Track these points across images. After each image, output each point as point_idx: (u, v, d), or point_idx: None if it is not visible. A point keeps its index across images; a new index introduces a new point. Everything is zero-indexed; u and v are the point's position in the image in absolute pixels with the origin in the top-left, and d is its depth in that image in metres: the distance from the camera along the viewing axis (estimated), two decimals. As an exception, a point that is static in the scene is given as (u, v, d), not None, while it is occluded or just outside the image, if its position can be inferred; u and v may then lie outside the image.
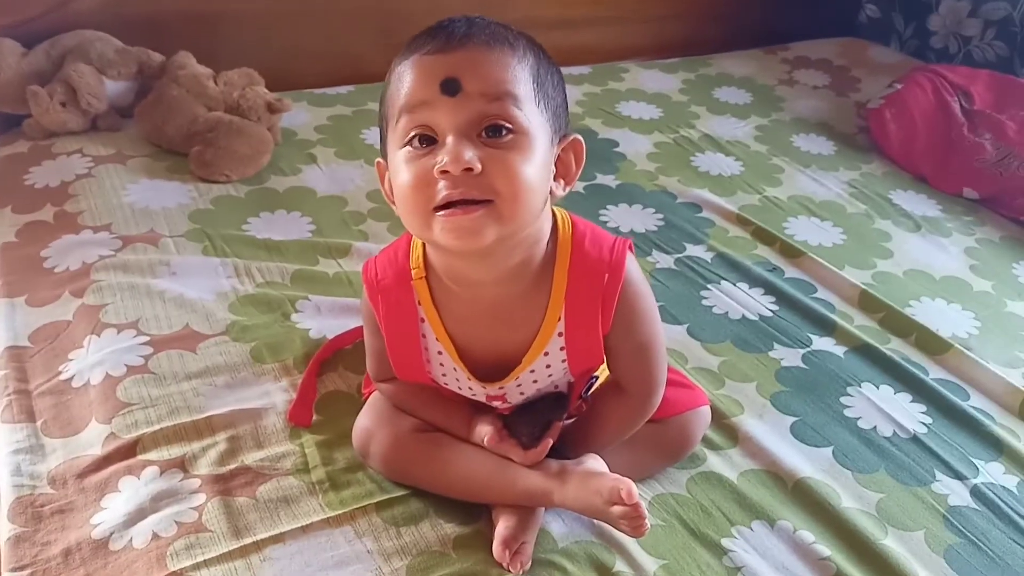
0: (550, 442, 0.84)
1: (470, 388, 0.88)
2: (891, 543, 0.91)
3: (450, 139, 0.70)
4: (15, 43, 1.51)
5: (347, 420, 0.98)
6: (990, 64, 1.98)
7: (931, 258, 1.42)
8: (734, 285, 1.30)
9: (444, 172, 0.69)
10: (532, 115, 0.72)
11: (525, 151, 0.71)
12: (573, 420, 0.93)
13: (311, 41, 1.79)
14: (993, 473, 1.01)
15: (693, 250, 1.38)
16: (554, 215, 0.82)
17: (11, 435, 0.95)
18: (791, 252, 1.39)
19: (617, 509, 0.80)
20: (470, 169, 0.69)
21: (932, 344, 1.21)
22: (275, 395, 1.01)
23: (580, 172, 0.80)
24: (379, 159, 0.81)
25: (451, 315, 0.83)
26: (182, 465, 0.91)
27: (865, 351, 1.18)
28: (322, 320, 1.13)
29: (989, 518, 0.96)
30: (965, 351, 1.19)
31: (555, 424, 0.84)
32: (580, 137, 0.79)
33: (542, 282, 0.80)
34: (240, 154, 1.43)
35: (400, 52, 0.76)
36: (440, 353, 0.86)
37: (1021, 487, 1.00)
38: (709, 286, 1.29)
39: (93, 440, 0.94)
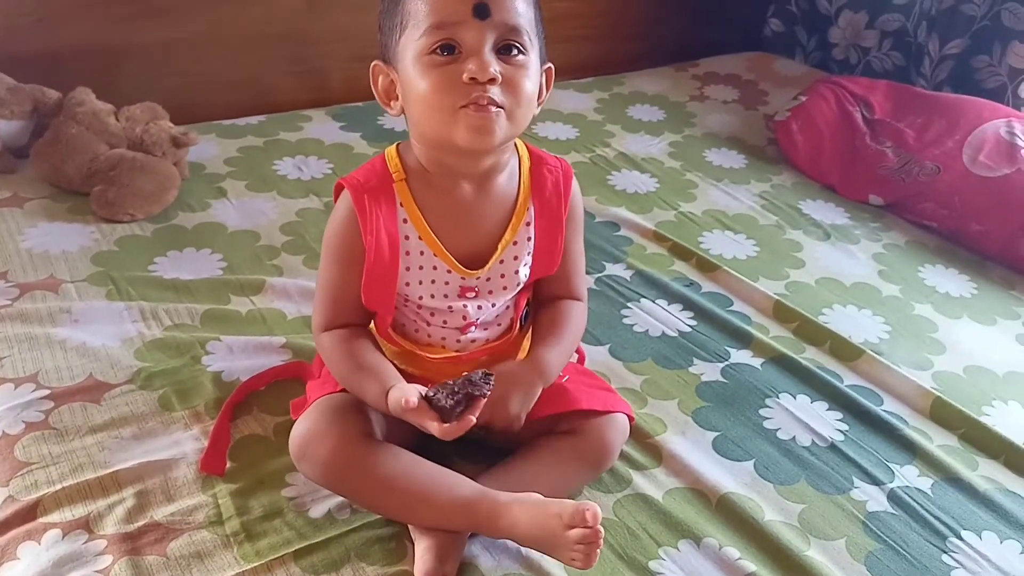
0: (472, 419, 0.80)
1: (446, 283, 0.92)
2: (814, 553, 0.92)
3: (481, 52, 0.82)
4: None
5: (263, 465, 0.95)
6: (888, 74, 2.06)
7: (841, 266, 1.46)
8: (653, 302, 1.31)
9: (473, 79, 0.81)
10: (533, 40, 0.86)
11: (528, 69, 0.85)
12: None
13: (217, 71, 1.75)
14: (908, 476, 1.04)
15: (612, 269, 1.38)
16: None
17: (-102, 505, 0.89)
18: (707, 266, 1.41)
19: (576, 532, 0.79)
20: (494, 79, 0.81)
21: (845, 351, 1.24)
22: (185, 444, 0.97)
23: (548, 95, 0.93)
24: (376, 62, 0.90)
25: (431, 212, 0.91)
26: (86, 525, 0.87)
27: (781, 361, 1.20)
28: (235, 361, 1.10)
29: (906, 521, 0.98)
30: (876, 356, 1.22)
31: (477, 400, 0.80)
32: (552, 65, 0.93)
33: (511, 179, 0.94)
34: (145, 191, 1.38)
35: None
36: (422, 253, 0.91)
37: (935, 488, 1.03)
38: (629, 304, 1.30)
39: (-11, 505, 0.89)
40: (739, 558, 0.90)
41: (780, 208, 1.62)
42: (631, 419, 1.01)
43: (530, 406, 0.91)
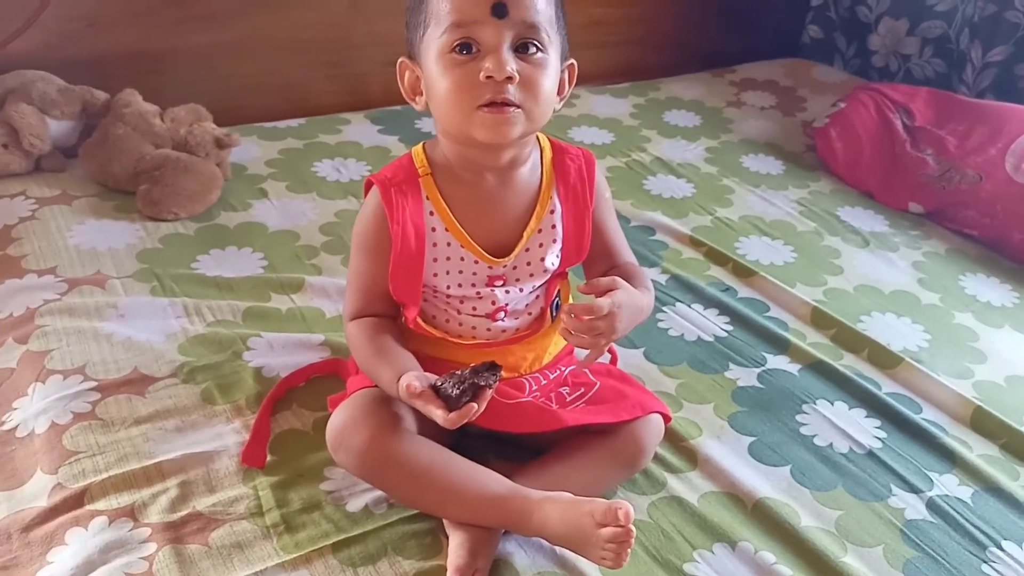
0: (474, 407, 0.80)
1: (473, 273, 0.94)
2: (851, 560, 0.91)
3: (503, 50, 0.84)
4: (-46, 85, 1.48)
5: (302, 459, 0.97)
6: (929, 81, 2.04)
7: (880, 273, 1.45)
8: (689, 307, 1.31)
9: (490, 78, 0.83)
10: (553, 38, 0.88)
11: (547, 67, 0.87)
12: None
13: (259, 75, 1.78)
14: (948, 485, 1.03)
15: (648, 273, 1.38)
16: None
17: (-48, 490, 0.92)
18: (743, 272, 1.40)
19: (607, 531, 0.80)
20: (511, 78, 0.83)
21: (884, 358, 1.23)
22: (227, 437, 0.99)
23: (571, 91, 0.95)
24: (402, 59, 0.92)
25: (457, 204, 0.94)
26: (132, 514, 0.89)
27: (819, 368, 1.20)
28: (275, 357, 1.11)
29: (945, 530, 0.97)
30: (916, 364, 1.21)
31: (483, 390, 0.81)
32: (575, 61, 0.94)
33: (534, 169, 0.96)
34: (189, 191, 1.41)
35: None
36: (449, 245, 0.94)
37: (975, 498, 1.02)
38: (665, 308, 1.30)
39: (38, 492, 0.91)
40: (775, 563, 0.90)
41: (818, 215, 1.61)
42: (667, 419, 1.01)
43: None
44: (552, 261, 0.97)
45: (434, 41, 0.86)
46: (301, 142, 1.68)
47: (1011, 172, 1.55)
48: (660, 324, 1.27)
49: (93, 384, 1.04)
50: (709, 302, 1.32)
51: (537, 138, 0.97)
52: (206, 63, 1.71)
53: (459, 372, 0.82)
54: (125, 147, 1.45)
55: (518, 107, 0.84)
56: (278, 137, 1.69)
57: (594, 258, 1.01)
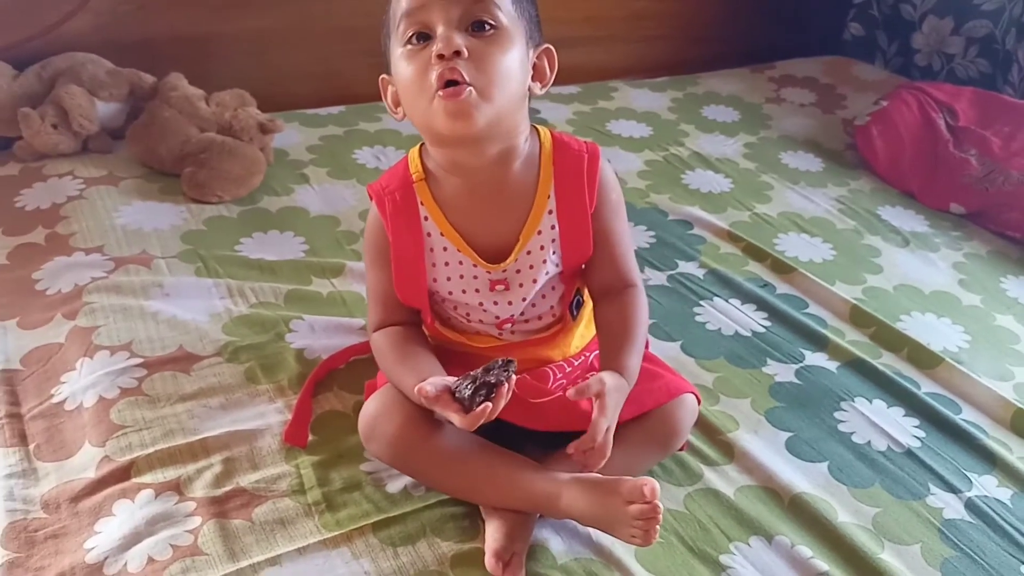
0: (488, 406, 0.79)
1: (474, 277, 0.93)
2: (888, 557, 0.91)
3: (441, 29, 0.82)
4: (6, 65, 1.51)
5: (343, 439, 0.98)
6: (973, 81, 2.01)
7: (920, 273, 1.43)
8: (726, 301, 1.30)
9: (440, 56, 0.81)
10: (510, 15, 0.85)
11: (504, 44, 0.84)
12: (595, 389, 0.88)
13: (302, 62, 1.79)
14: (987, 486, 1.02)
15: (685, 267, 1.38)
16: (535, 128, 0.94)
17: (3, 460, 0.94)
18: (782, 268, 1.40)
19: (635, 508, 0.81)
20: (459, 52, 0.81)
21: (923, 358, 1.22)
22: (270, 416, 1.01)
23: (554, 76, 0.92)
24: (384, 75, 0.92)
25: (452, 208, 0.92)
26: (177, 488, 0.91)
27: (857, 366, 1.19)
28: (316, 340, 1.13)
29: (984, 531, 0.96)
30: (956, 365, 1.20)
31: (499, 388, 0.80)
32: (551, 47, 0.92)
33: (530, 168, 0.92)
34: (232, 175, 1.43)
35: None
36: (446, 249, 0.93)
37: (1015, 500, 1.01)
38: (702, 303, 1.30)
39: (87, 463, 0.94)
40: (811, 557, 0.90)
41: (858, 213, 1.60)
42: (698, 399, 1.01)
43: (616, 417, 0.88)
44: (554, 262, 0.94)
45: (396, 39, 0.86)
46: (342, 129, 1.70)
47: (1057, 174, 1.53)
48: (698, 318, 1.27)
49: (139, 361, 1.06)
50: (747, 297, 1.32)
51: (537, 132, 0.94)
52: (251, 49, 1.73)
53: (472, 373, 0.82)
54: (171, 130, 1.47)
55: (470, 85, 0.81)
56: (319, 124, 1.70)
57: (594, 267, 0.96)
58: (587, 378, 0.98)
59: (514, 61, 0.85)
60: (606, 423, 0.84)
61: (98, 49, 1.57)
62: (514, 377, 0.81)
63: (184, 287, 1.20)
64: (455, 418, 0.81)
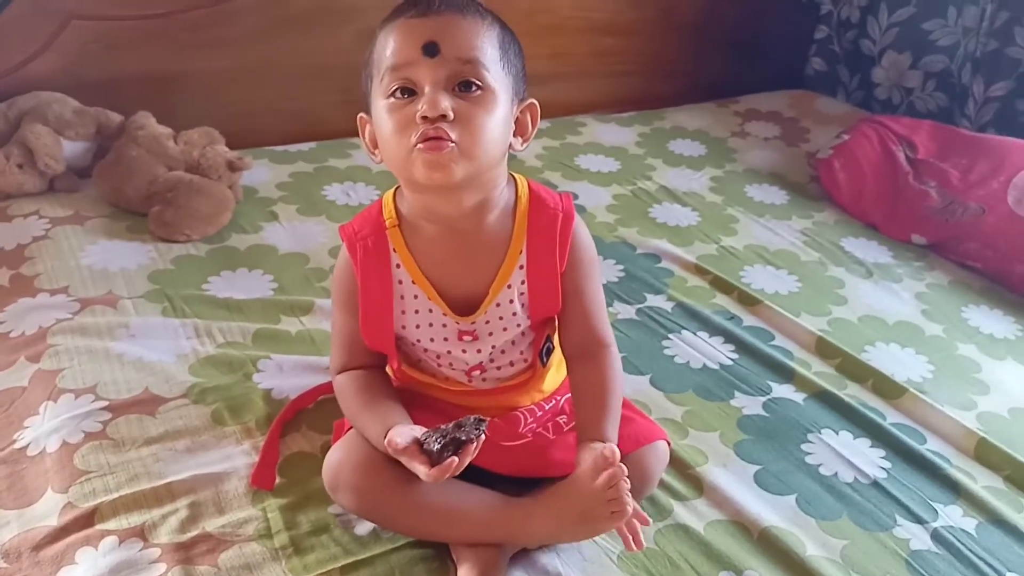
0: (455, 460, 0.80)
1: (443, 326, 0.93)
2: (856, 590, 0.92)
3: (428, 90, 0.82)
4: (-29, 105, 1.50)
5: (311, 481, 0.97)
6: (932, 114, 2.06)
7: (884, 304, 1.46)
8: (694, 334, 1.32)
9: (424, 117, 0.81)
10: (497, 76, 0.85)
11: (489, 105, 0.84)
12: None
13: (271, 99, 1.80)
14: (952, 516, 1.03)
15: (653, 300, 1.40)
16: (512, 176, 0.94)
17: (-37, 508, 0.93)
18: (749, 300, 1.41)
19: (603, 477, 0.82)
20: (444, 115, 0.81)
21: (888, 389, 1.24)
22: (237, 458, 1.00)
23: (535, 131, 0.92)
24: (362, 114, 0.91)
25: (424, 256, 0.92)
26: (141, 534, 0.89)
27: (824, 397, 1.20)
28: (284, 379, 1.12)
29: (950, 561, 0.97)
30: (920, 395, 1.22)
31: (467, 445, 0.81)
32: (535, 101, 0.92)
33: (504, 221, 0.92)
34: (201, 213, 1.42)
35: (385, 16, 0.87)
36: (416, 297, 0.92)
37: (980, 529, 1.02)
38: (670, 336, 1.31)
39: (49, 511, 0.92)
40: (781, 592, 0.90)
41: (822, 245, 1.62)
42: (669, 444, 1.01)
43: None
44: (524, 317, 0.94)
45: (378, 90, 0.86)
46: (311, 166, 1.70)
47: (1013, 206, 1.57)
48: (666, 351, 1.28)
49: (104, 404, 1.05)
50: (715, 330, 1.33)
51: (515, 182, 0.94)
52: (219, 87, 1.74)
53: (443, 427, 0.83)
54: (138, 169, 1.47)
55: (453, 143, 0.81)
56: (289, 161, 1.71)
57: (566, 327, 0.96)
58: (559, 422, 0.99)
59: (498, 121, 0.85)
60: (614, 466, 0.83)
61: (64, 88, 1.56)
62: (483, 437, 0.82)
63: (150, 328, 1.19)
64: (421, 470, 0.81)
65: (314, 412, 1.08)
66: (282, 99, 1.81)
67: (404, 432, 0.84)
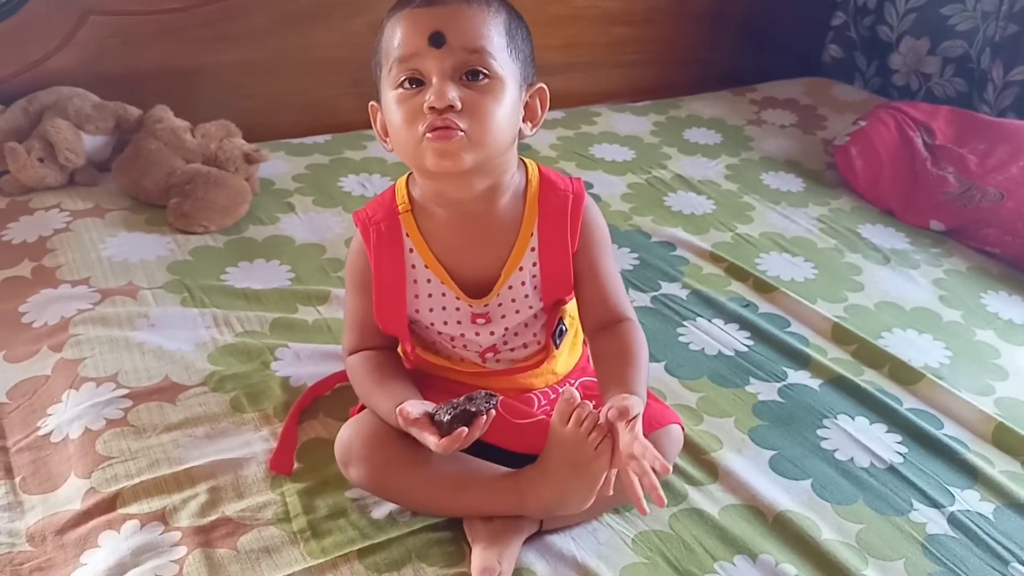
0: (464, 431, 0.81)
1: (456, 309, 0.93)
2: (872, 573, 0.92)
3: (435, 80, 0.83)
4: (-7, 101, 1.52)
5: (328, 467, 0.99)
6: (950, 100, 2.04)
7: (901, 290, 1.45)
8: (709, 321, 1.32)
9: (432, 108, 0.82)
10: (504, 63, 0.85)
11: (497, 93, 0.84)
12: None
13: (287, 92, 1.81)
14: (969, 500, 1.03)
15: (668, 288, 1.40)
16: (523, 161, 0.95)
17: (-11, 493, 0.95)
18: (764, 287, 1.41)
19: (572, 420, 0.82)
20: (452, 106, 0.81)
21: (905, 375, 1.23)
22: (255, 444, 1.01)
23: (544, 115, 0.93)
24: (372, 102, 0.92)
25: (436, 240, 0.93)
26: (162, 518, 0.91)
27: (840, 383, 1.20)
28: (302, 367, 1.14)
29: (967, 545, 0.97)
30: (937, 381, 1.21)
31: (477, 418, 0.82)
32: (544, 86, 0.92)
33: (515, 204, 0.93)
34: (218, 205, 1.44)
35: (392, 5, 0.88)
36: (429, 281, 0.93)
37: (997, 514, 1.01)
38: (685, 323, 1.31)
39: (72, 495, 0.94)
40: (796, 575, 0.91)
41: (838, 232, 1.62)
42: (683, 428, 1.01)
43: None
44: (536, 299, 0.95)
45: (387, 80, 0.87)
46: (327, 158, 1.71)
47: (1033, 190, 1.55)
48: (681, 339, 1.28)
49: (125, 391, 1.06)
50: (730, 317, 1.33)
51: (525, 167, 0.95)
52: (236, 81, 1.75)
53: (455, 400, 0.84)
54: (157, 162, 1.49)
55: (462, 131, 0.82)
56: (305, 153, 1.72)
57: (585, 305, 0.97)
58: None
59: (507, 109, 0.85)
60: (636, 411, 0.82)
61: (84, 83, 1.58)
62: (494, 411, 0.82)
63: (170, 317, 1.21)
64: (431, 440, 0.82)
65: (331, 399, 1.09)
66: (297, 92, 1.82)
67: (416, 404, 0.85)
